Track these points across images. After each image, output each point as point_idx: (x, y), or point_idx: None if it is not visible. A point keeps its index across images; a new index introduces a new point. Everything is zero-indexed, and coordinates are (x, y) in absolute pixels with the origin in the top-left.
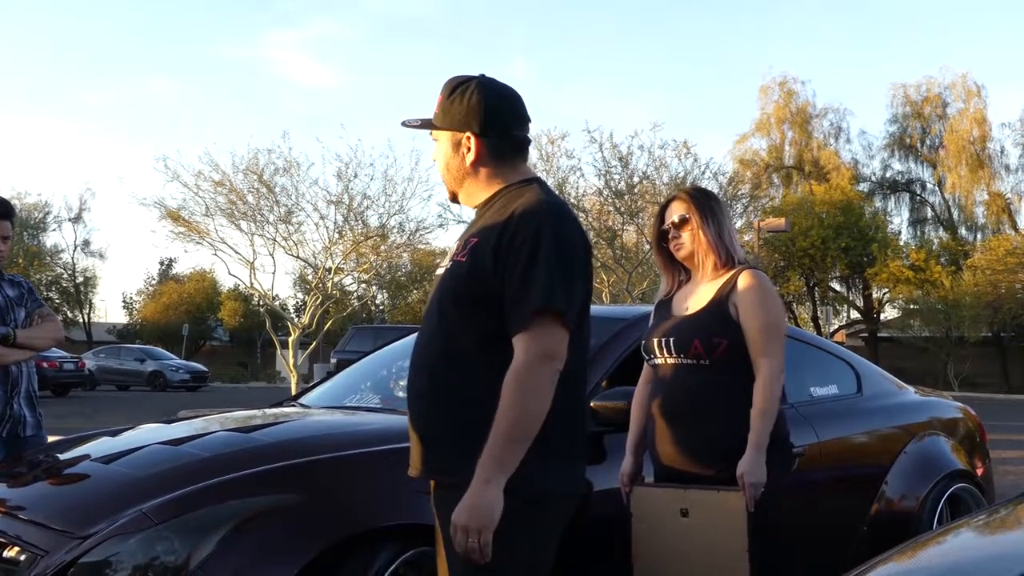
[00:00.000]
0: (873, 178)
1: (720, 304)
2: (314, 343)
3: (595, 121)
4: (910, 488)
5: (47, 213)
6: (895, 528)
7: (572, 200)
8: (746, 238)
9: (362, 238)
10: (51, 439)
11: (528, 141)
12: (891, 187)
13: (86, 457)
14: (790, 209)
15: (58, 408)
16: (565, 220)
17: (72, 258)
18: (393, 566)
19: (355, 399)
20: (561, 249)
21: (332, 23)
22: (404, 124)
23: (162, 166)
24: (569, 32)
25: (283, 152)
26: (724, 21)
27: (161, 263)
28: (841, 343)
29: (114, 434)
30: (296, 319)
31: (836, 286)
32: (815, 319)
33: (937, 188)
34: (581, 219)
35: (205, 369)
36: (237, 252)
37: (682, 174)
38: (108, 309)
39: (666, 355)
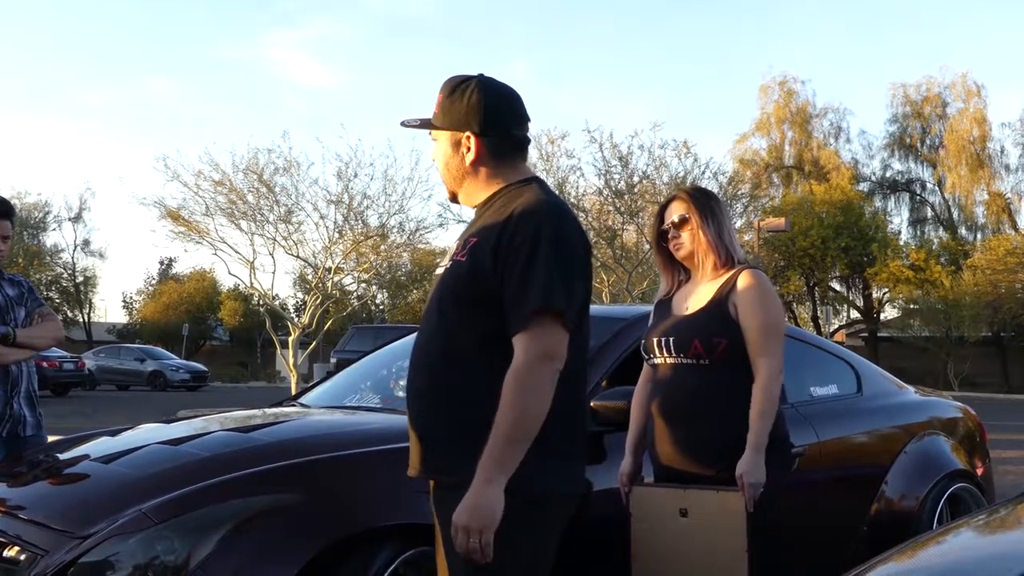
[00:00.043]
0: (873, 178)
1: (720, 304)
2: (314, 343)
3: (595, 121)
4: (910, 488)
5: (47, 213)
6: (895, 528)
7: (572, 200)
8: (746, 238)
9: (362, 238)
10: (51, 439)
11: (528, 141)
12: (891, 187)
13: (86, 457)
14: (790, 209)
15: (58, 408)
16: (565, 220)
17: (72, 258)
18: (393, 566)
19: (355, 399)
20: (561, 249)
21: (332, 23)
22: (403, 124)
23: (162, 166)
24: (569, 32)
25: (283, 152)
26: (724, 21)
27: (161, 263)
28: (841, 343)
29: (114, 434)
30: (296, 319)
31: (836, 286)
32: (815, 319)
33: (937, 188)
34: (581, 219)
35: (205, 369)
36: (237, 252)
37: (682, 174)
38: (108, 309)
39: (666, 355)
